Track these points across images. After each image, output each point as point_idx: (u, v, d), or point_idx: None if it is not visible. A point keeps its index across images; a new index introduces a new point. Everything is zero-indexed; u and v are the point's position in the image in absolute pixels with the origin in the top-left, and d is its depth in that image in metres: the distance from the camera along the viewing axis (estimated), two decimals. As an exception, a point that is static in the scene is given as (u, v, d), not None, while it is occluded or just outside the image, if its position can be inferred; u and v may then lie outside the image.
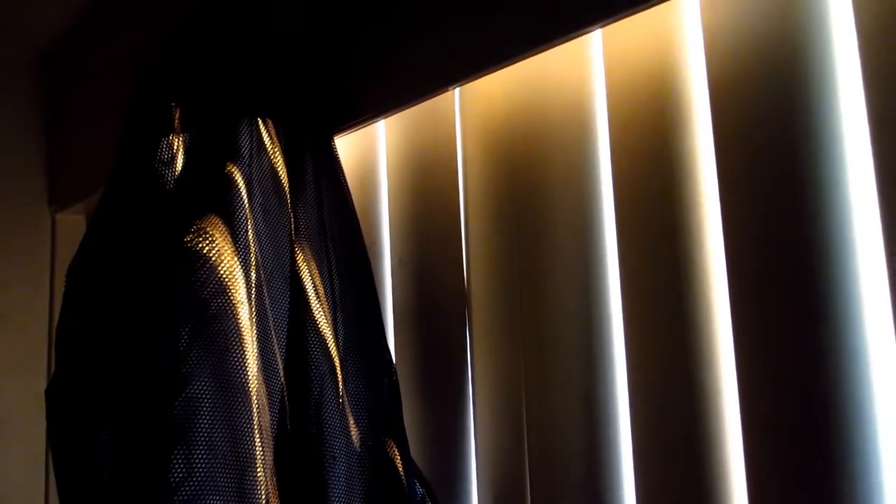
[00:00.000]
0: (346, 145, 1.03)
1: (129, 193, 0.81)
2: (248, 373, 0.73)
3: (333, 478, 0.77)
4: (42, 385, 1.42)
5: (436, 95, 0.90)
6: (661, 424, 0.73)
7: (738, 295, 0.69)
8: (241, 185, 0.80)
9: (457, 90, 0.93)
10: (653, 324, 0.74)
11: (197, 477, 0.67)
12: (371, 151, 1.02)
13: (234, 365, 0.72)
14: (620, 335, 0.77)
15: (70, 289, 0.81)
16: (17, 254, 1.44)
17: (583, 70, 0.83)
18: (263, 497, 0.72)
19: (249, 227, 0.79)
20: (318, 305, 0.83)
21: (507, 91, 0.88)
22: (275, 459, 0.75)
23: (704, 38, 0.73)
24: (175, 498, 0.65)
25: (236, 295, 0.75)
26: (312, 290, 0.83)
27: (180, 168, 0.81)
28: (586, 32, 0.78)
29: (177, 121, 0.82)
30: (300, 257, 0.84)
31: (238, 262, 0.76)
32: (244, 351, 0.73)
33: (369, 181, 1.01)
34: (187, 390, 0.69)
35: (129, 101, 0.86)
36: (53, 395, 0.73)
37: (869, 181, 0.65)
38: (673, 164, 0.74)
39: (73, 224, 1.51)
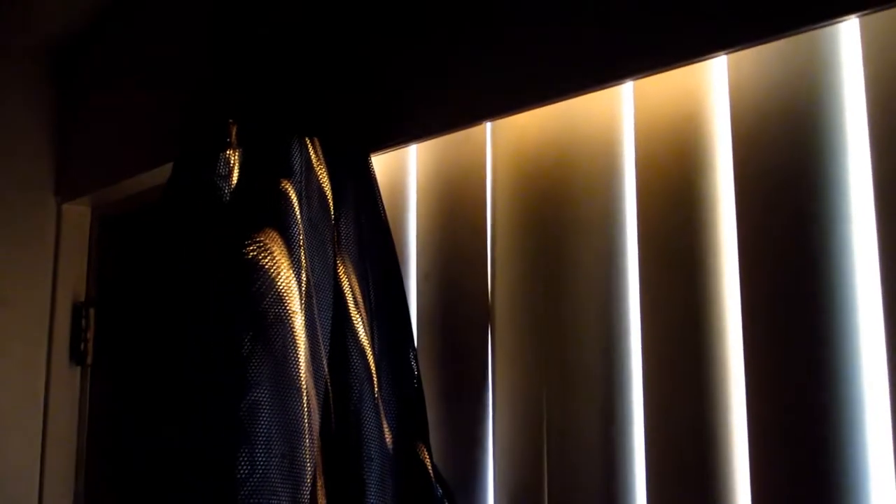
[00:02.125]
0: (378, 164, 1.09)
1: (189, 204, 0.86)
2: (302, 378, 0.79)
3: (370, 477, 0.83)
4: (41, 375, 1.45)
5: (469, 127, 0.97)
6: (673, 434, 0.81)
7: (751, 330, 0.77)
8: (294, 201, 0.86)
9: (489, 123, 0.99)
10: (668, 343, 0.82)
11: (258, 474, 0.73)
12: (402, 172, 1.08)
13: (291, 371, 0.78)
14: (637, 352, 0.85)
15: (122, 302, 0.85)
16: (22, 242, 1.46)
17: (614, 116, 0.91)
18: (310, 494, 0.78)
19: (302, 241, 0.84)
20: (357, 315, 0.89)
21: (539, 127, 0.95)
22: (322, 459, 0.81)
23: (730, 95, 0.81)
24: (242, 492, 0.71)
25: (292, 305, 0.81)
26: (352, 301, 0.90)
27: (236, 182, 0.87)
28: (619, 84, 0.86)
29: (234, 136, 0.88)
30: (342, 269, 0.90)
31: (293, 274, 0.82)
32: (299, 358, 0.79)
33: (398, 200, 1.08)
34: (249, 395, 0.75)
35: (185, 118, 0.91)
36: (117, 407, 0.78)
37: (871, 233, 0.74)
38: (695, 209, 0.82)
39: (77, 214, 1.53)
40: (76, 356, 1.47)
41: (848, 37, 0.78)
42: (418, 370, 0.95)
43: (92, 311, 1.47)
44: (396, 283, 0.96)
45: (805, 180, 0.77)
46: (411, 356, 0.95)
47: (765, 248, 0.78)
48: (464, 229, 1.01)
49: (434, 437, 0.97)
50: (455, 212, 1.02)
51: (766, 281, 0.77)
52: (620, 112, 0.91)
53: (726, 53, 0.80)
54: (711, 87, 0.84)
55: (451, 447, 0.98)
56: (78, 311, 1.48)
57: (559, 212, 0.92)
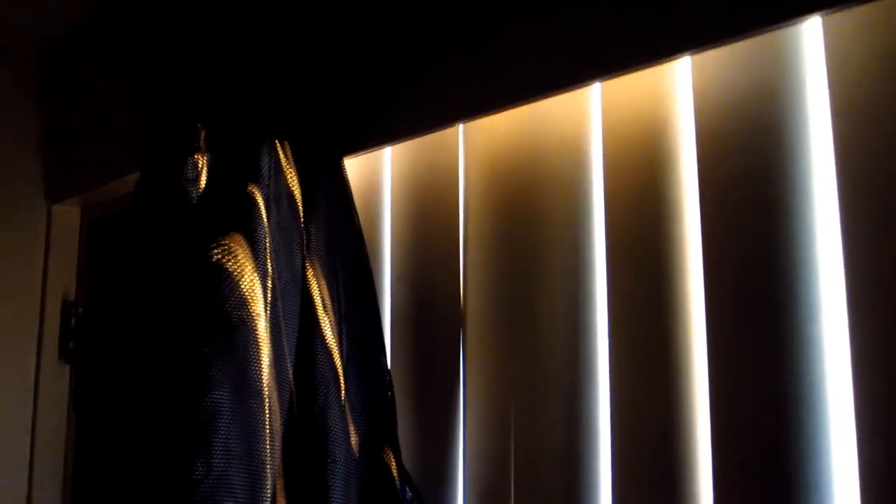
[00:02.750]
0: (353, 166, 1.09)
1: (156, 207, 0.86)
2: (264, 380, 0.80)
3: (333, 480, 0.84)
4: (30, 373, 1.46)
5: (440, 130, 0.97)
6: (638, 433, 0.81)
7: (715, 322, 0.78)
8: (261, 204, 0.86)
9: (461, 125, 1.00)
10: (634, 345, 0.82)
11: (214, 476, 0.74)
12: (376, 174, 1.08)
13: (252, 373, 0.79)
14: (604, 353, 0.85)
15: (93, 301, 0.86)
16: (13, 242, 1.47)
17: (582, 116, 0.91)
18: (270, 495, 0.78)
19: (268, 244, 0.85)
20: (325, 317, 0.90)
21: (509, 129, 0.95)
22: (283, 461, 0.81)
23: (694, 97, 0.82)
24: (196, 495, 0.72)
25: (255, 308, 0.81)
26: (321, 303, 0.90)
27: (204, 185, 0.87)
28: (585, 86, 0.86)
29: (202, 140, 0.88)
30: (310, 272, 0.91)
31: (257, 277, 0.83)
32: (261, 360, 0.80)
33: (373, 201, 1.08)
34: (209, 397, 0.75)
35: (157, 122, 0.91)
36: (82, 402, 0.79)
37: (835, 232, 0.74)
38: (661, 206, 0.83)
39: (67, 215, 1.55)
40: (65, 354, 1.49)
41: (810, 37, 0.78)
42: (389, 374, 0.95)
43: (81, 309, 1.49)
44: (368, 285, 0.96)
45: (768, 179, 0.77)
46: (382, 359, 0.95)
47: (729, 249, 0.78)
48: (437, 231, 1.01)
49: (406, 438, 0.97)
50: (428, 213, 1.02)
51: (730, 281, 0.77)
52: (589, 114, 0.91)
53: (690, 54, 0.80)
54: (677, 89, 0.84)
55: (423, 448, 0.98)
56: (67, 309, 1.49)
57: (528, 213, 0.92)
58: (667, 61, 0.81)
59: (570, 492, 0.85)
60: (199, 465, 0.73)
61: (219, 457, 0.75)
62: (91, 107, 1.49)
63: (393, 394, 0.95)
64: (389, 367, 1.00)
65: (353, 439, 0.88)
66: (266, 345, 0.81)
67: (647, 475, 0.80)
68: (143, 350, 0.80)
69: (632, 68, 0.81)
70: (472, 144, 0.99)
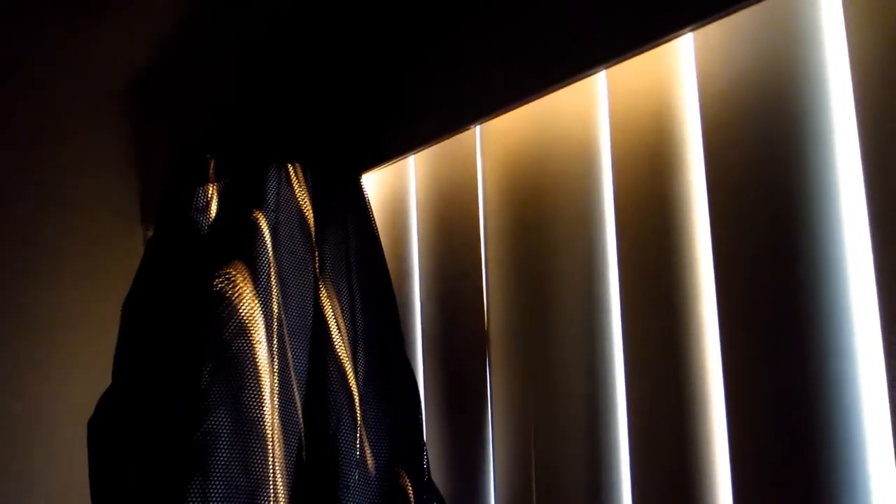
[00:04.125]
0: (380, 178, 1.08)
1: (170, 238, 0.89)
2: (264, 408, 0.80)
3: (346, 505, 0.82)
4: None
5: (456, 134, 0.94)
6: (655, 454, 0.75)
7: (727, 318, 0.71)
8: (265, 231, 0.87)
9: (478, 129, 0.96)
10: (649, 351, 0.77)
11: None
12: (402, 185, 1.06)
13: (249, 401, 0.79)
14: (621, 362, 0.81)
15: (121, 323, 0.90)
16: (112, 268, 1.58)
17: (590, 111, 0.85)
18: None
19: (272, 271, 0.85)
20: (339, 339, 0.89)
21: (523, 128, 0.90)
22: (292, 488, 0.81)
23: (698, 79, 0.74)
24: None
25: (255, 335, 0.82)
26: (334, 325, 0.89)
27: (214, 214, 0.89)
28: (590, 74, 0.81)
29: (211, 170, 0.90)
30: (324, 293, 0.90)
31: (258, 304, 0.83)
32: (260, 388, 0.80)
33: (400, 214, 1.06)
34: (206, 424, 0.77)
35: (170, 153, 0.94)
36: (94, 423, 0.83)
37: (862, 222, 0.64)
38: (669, 195, 0.76)
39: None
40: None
41: (828, 3, 0.67)
42: (416, 393, 0.93)
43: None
44: (388, 306, 0.94)
45: (782, 166, 0.68)
46: (406, 378, 0.93)
47: (740, 245, 0.70)
48: (460, 245, 0.98)
49: (437, 453, 0.95)
50: (451, 227, 0.99)
51: (742, 278, 0.69)
52: (596, 109, 0.85)
53: (691, 30, 0.72)
54: (681, 75, 0.76)
55: (454, 463, 0.96)
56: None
57: (540, 220, 0.88)
58: (665, 41, 0.73)
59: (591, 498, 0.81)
60: (194, 493, 0.74)
61: (217, 485, 0.76)
62: (177, 136, 1.58)
63: (420, 414, 0.92)
64: (420, 385, 0.98)
65: (370, 462, 0.86)
66: (267, 372, 0.81)
67: (665, 479, 0.75)
68: (151, 375, 0.82)
69: (633, 51, 0.75)
70: (489, 150, 0.95)
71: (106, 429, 0.83)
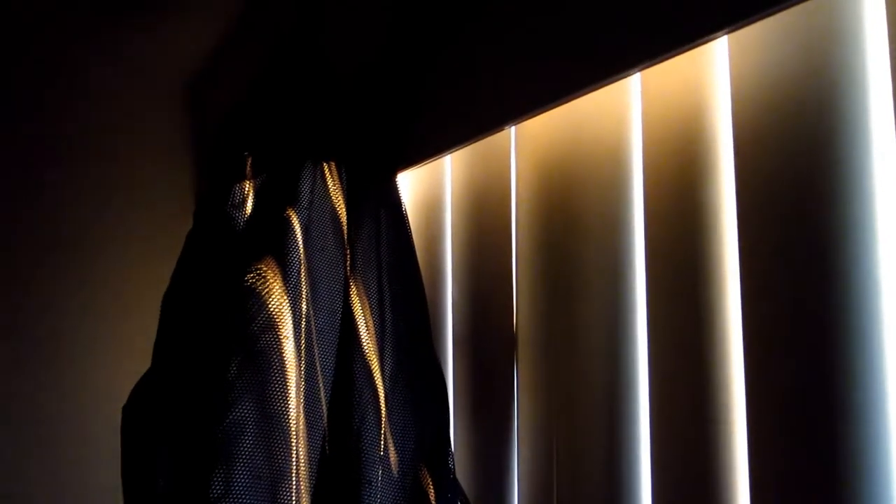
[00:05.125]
0: (417, 177, 1.08)
1: (207, 233, 0.92)
2: (289, 401, 0.81)
3: (367, 501, 0.83)
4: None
5: (490, 134, 0.94)
6: (676, 456, 0.75)
7: (752, 328, 0.69)
8: (297, 228, 0.88)
9: (513, 130, 0.95)
10: (673, 355, 0.76)
11: (234, 494, 0.76)
12: (439, 185, 1.07)
13: (274, 394, 0.80)
14: (645, 366, 0.80)
15: (161, 314, 0.93)
16: (168, 255, 1.63)
17: (623, 113, 0.84)
18: None
19: (302, 268, 0.86)
20: (367, 338, 0.90)
21: (556, 130, 0.90)
22: (314, 481, 0.82)
23: (731, 82, 0.72)
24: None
25: (283, 330, 0.83)
26: (363, 323, 0.90)
27: (250, 211, 0.91)
28: (626, 76, 0.80)
29: (248, 167, 0.92)
30: (353, 291, 0.91)
31: (287, 301, 0.84)
32: (286, 381, 0.82)
33: (436, 213, 1.06)
34: (232, 414, 0.78)
35: (210, 150, 0.97)
36: (127, 410, 0.86)
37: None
38: (698, 200, 0.75)
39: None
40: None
41: (869, 4, 0.64)
42: (445, 394, 0.93)
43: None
44: (418, 304, 0.95)
45: (815, 176, 0.65)
46: (434, 378, 0.93)
47: (768, 254, 0.68)
48: (491, 241, 0.98)
49: (464, 451, 0.96)
50: (483, 224, 0.99)
51: (769, 287, 0.68)
52: (629, 112, 0.84)
53: (725, 34, 0.70)
54: (715, 78, 0.74)
55: (480, 462, 0.96)
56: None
57: (568, 218, 0.88)
58: (701, 44, 0.71)
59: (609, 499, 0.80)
60: (217, 482, 0.76)
61: (240, 474, 0.77)
62: (219, 135, 1.62)
63: (447, 413, 0.93)
64: (450, 383, 0.98)
65: (394, 460, 0.87)
66: (294, 366, 0.83)
67: (685, 480, 0.74)
68: (184, 366, 0.85)
69: (668, 53, 0.73)
70: (523, 151, 0.95)
71: (139, 416, 0.86)
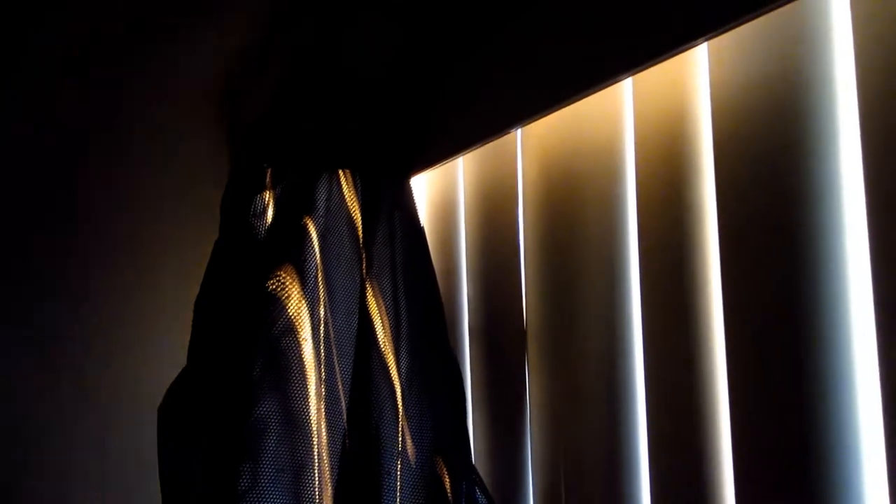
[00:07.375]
0: (431, 178, 1.13)
1: (232, 242, 0.98)
2: (309, 399, 0.87)
3: (386, 492, 0.89)
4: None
5: (498, 137, 0.98)
6: (670, 446, 0.79)
7: (732, 319, 0.73)
8: (314, 236, 0.93)
9: (519, 132, 0.99)
10: (666, 350, 0.80)
11: (260, 487, 0.83)
12: (452, 186, 1.11)
13: (295, 392, 0.86)
14: (640, 359, 0.84)
15: (193, 319, 1.00)
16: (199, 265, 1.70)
17: (617, 115, 0.88)
18: None
19: (319, 274, 0.92)
20: (382, 336, 0.95)
21: (559, 131, 0.93)
22: (337, 474, 0.88)
23: (711, 86, 0.75)
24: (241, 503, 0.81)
25: (301, 333, 0.89)
26: (379, 323, 0.95)
27: (270, 220, 0.96)
28: (619, 80, 0.83)
29: (268, 178, 0.97)
30: (370, 293, 0.96)
31: (305, 305, 0.90)
32: (305, 380, 0.87)
33: (450, 213, 1.11)
34: (256, 412, 0.85)
35: (232, 162, 1.02)
36: (162, 410, 0.93)
37: (862, 229, 0.65)
38: (684, 198, 0.78)
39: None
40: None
41: (837, 8, 0.66)
42: (462, 388, 0.98)
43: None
44: (432, 302, 0.99)
45: (789, 174, 0.69)
46: (450, 374, 0.98)
47: (746, 250, 0.71)
48: (500, 239, 1.02)
49: (481, 441, 1.01)
50: (493, 223, 1.04)
51: (747, 281, 0.71)
52: (622, 117, 0.87)
53: (706, 40, 0.73)
54: (697, 80, 0.78)
55: (496, 450, 1.01)
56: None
57: (568, 216, 0.91)
58: (684, 49, 0.74)
59: (611, 488, 0.85)
60: (245, 476, 0.82)
61: (266, 469, 0.83)
62: (245, 144, 1.68)
63: (464, 405, 0.98)
64: (466, 376, 1.03)
65: (412, 451, 0.92)
66: (313, 367, 0.88)
67: (680, 470, 0.78)
68: (213, 368, 0.91)
69: (657, 58, 0.77)
70: (528, 154, 0.98)
71: (173, 416, 0.92)
